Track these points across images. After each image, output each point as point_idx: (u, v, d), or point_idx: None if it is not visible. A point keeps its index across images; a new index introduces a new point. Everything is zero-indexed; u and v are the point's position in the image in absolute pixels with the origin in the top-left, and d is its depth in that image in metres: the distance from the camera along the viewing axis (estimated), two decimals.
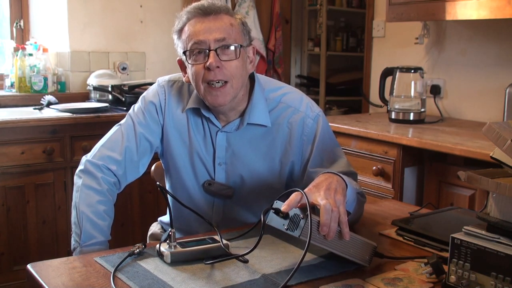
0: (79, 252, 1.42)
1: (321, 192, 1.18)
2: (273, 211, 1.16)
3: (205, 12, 1.44)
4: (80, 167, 1.53)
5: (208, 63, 1.41)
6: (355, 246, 1.18)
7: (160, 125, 1.57)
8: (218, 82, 1.43)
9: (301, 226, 1.10)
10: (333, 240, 1.14)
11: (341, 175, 1.30)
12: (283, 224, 1.13)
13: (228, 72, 1.43)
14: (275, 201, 1.17)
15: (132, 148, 1.54)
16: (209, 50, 1.42)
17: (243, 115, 1.53)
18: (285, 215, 1.13)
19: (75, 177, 1.53)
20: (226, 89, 1.44)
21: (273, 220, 1.16)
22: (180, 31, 1.48)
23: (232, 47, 1.44)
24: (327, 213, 1.12)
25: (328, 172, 1.30)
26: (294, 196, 1.15)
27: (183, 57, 1.49)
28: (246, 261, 1.20)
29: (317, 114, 1.56)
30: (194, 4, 1.47)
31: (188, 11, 1.47)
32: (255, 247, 1.18)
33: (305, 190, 1.19)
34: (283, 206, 1.13)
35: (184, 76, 1.53)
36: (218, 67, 1.42)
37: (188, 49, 1.44)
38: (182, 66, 1.53)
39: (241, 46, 1.45)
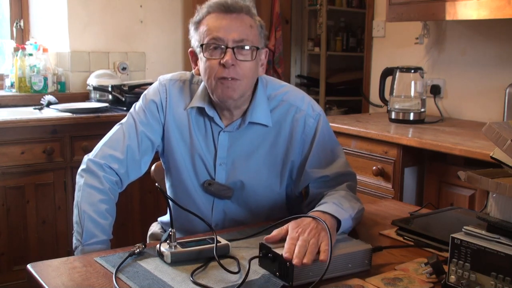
0: (80, 251, 1.42)
1: (305, 232, 1.16)
2: (262, 254, 1.15)
3: (227, 9, 1.45)
4: (82, 166, 1.53)
5: (224, 60, 1.42)
6: (353, 260, 1.17)
7: (161, 123, 1.58)
8: (230, 79, 1.44)
9: (290, 272, 1.09)
10: (329, 267, 1.11)
11: (333, 213, 1.27)
12: (274, 269, 1.12)
13: (241, 71, 1.44)
14: (260, 242, 1.16)
15: (133, 146, 1.54)
16: (227, 48, 1.42)
17: (245, 114, 1.53)
18: (273, 258, 1.12)
19: (77, 176, 1.53)
20: (237, 84, 1.45)
21: (265, 265, 1.15)
22: (198, 23, 1.49)
23: (249, 47, 1.45)
24: (298, 247, 1.10)
25: (319, 211, 1.28)
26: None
27: (197, 49, 1.49)
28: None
29: (318, 113, 1.56)
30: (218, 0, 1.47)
31: (210, 5, 1.47)
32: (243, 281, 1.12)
33: (289, 235, 1.17)
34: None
35: (194, 69, 1.54)
36: (233, 65, 1.42)
37: (205, 42, 1.45)
38: (193, 58, 1.54)
39: (257, 48, 1.47)
